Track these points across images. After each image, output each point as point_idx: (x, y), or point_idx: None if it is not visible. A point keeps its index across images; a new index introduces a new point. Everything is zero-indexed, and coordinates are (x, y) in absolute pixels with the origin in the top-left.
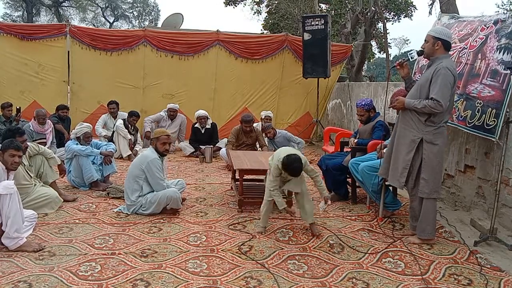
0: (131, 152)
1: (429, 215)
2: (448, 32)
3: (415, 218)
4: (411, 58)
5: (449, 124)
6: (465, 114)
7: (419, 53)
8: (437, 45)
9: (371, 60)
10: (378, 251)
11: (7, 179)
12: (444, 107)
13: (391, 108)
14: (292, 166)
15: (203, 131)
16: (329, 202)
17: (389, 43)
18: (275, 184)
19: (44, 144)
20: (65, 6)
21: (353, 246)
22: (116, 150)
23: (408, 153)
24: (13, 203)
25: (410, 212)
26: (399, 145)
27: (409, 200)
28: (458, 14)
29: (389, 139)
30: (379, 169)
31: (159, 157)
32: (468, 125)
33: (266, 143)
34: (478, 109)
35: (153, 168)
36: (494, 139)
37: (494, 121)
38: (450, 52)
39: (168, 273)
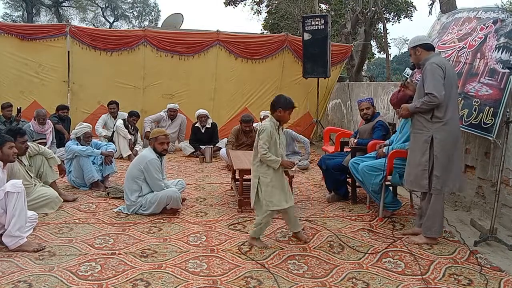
0: (131, 152)
1: (437, 213)
2: (422, 36)
3: (421, 216)
4: (408, 75)
5: None
6: (462, 113)
7: (412, 68)
8: (418, 52)
9: (371, 60)
10: (378, 251)
11: (4, 175)
12: (439, 98)
13: (393, 111)
14: (282, 97)
15: (203, 131)
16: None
17: (389, 43)
18: (267, 146)
19: (44, 144)
20: (65, 6)
21: (353, 246)
22: (116, 150)
23: (423, 154)
24: (19, 202)
25: (418, 211)
26: (413, 150)
27: (409, 200)
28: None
29: (389, 139)
30: (406, 182)
31: (158, 157)
32: (464, 123)
33: None
34: (475, 107)
35: (152, 169)
36: (491, 138)
37: (492, 119)
38: (449, 52)
39: (168, 273)
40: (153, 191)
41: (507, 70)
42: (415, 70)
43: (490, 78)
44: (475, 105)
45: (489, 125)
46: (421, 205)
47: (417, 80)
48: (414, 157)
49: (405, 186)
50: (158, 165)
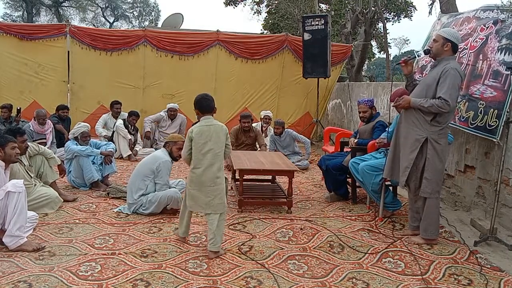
0: (131, 152)
1: (432, 215)
2: (458, 35)
3: (415, 219)
4: (418, 56)
5: (451, 125)
6: (467, 115)
7: (426, 52)
8: (446, 46)
9: (371, 60)
10: (378, 251)
11: (5, 176)
12: (451, 107)
13: (393, 108)
14: (201, 96)
15: None
16: None
17: (389, 43)
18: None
19: (44, 144)
20: (65, 6)
21: (353, 246)
22: (116, 150)
23: (411, 152)
24: (20, 202)
25: (410, 213)
26: (402, 145)
27: (409, 200)
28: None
29: (387, 131)
30: (384, 171)
31: (171, 161)
32: (470, 126)
33: (268, 142)
34: (481, 110)
35: (164, 170)
36: (495, 140)
37: (496, 121)
38: None
39: (168, 273)
40: (154, 191)
41: (509, 72)
42: (426, 56)
43: (494, 80)
44: (480, 107)
45: (494, 126)
46: (416, 207)
47: (418, 79)
48: (402, 150)
49: (383, 175)
50: (170, 168)
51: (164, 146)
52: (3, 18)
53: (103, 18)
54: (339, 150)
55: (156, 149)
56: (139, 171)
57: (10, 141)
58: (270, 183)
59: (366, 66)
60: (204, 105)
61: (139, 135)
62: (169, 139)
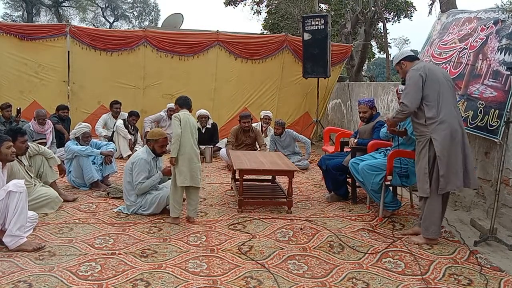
0: (131, 152)
1: (434, 213)
2: (403, 50)
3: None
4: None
5: None
6: (466, 115)
7: (403, 83)
8: (404, 65)
9: (371, 60)
10: (378, 251)
11: (3, 175)
12: (409, 107)
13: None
14: (182, 96)
15: (203, 131)
16: None
17: (389, 43)
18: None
19: (44, 144)
20: (65, 6)
21: (353, 246)
22: (116, 150)
23: (423, 158)
24: (21, 201)
25: (419, 210)
26: (417, 156)
27: (409, 200)
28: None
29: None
30: (420, 192)
31: (155, 157)
32: (469, 125)
33: (268, 142)
34: (480, 110)
35: (137, 168)
36: (497, 140)
37: (497, 121)
38: (450, 52)
39: (168, 273)
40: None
41: (508, 72)
42: None
43: (494, 80)
44: (480, 107)
45: (495, 127)
46: (420, 205)
47: None
48: (417, 162)
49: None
50: (147, 166)
51: (146, 143)
52: (3, 18)
53: (103, 18)
54: (339, 150)
55: None
56: (125, 172)
57: (5, 140)
58: (270, 183)
59: (366, 66)
60: (185, 103)
61: (139, 135)
62: (150, 137)
